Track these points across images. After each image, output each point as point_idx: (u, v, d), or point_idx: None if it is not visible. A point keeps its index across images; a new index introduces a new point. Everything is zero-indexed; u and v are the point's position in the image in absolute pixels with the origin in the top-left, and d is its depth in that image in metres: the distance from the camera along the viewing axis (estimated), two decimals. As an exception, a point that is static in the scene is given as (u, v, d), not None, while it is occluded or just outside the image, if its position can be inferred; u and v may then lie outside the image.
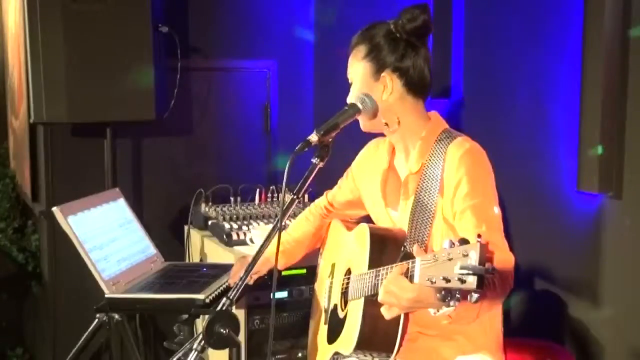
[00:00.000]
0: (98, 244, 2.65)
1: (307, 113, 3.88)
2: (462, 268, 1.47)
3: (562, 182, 2.59)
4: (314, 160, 1.91)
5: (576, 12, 2.46)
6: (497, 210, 1.92)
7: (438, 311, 1.68)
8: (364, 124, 2.09)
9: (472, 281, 1.46)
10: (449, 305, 1.56)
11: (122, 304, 2.59)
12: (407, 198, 2.05)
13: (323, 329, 2.28)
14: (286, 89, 3.85)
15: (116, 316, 2.71)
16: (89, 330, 2.74)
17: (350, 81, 2.12)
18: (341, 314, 2.15)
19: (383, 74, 2.03)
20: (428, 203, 1.98)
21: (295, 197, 1.92)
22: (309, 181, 1.92)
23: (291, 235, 2.48)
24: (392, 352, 1.94)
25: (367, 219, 2.27)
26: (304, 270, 3.05)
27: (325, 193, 2.47)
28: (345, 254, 2.25)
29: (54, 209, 2.58)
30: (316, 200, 2.50)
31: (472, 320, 1.86)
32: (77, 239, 2.57)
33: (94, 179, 3.33)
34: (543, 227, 2.71)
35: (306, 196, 3.43)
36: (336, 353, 2.12)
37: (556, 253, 2.65)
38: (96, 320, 2.73)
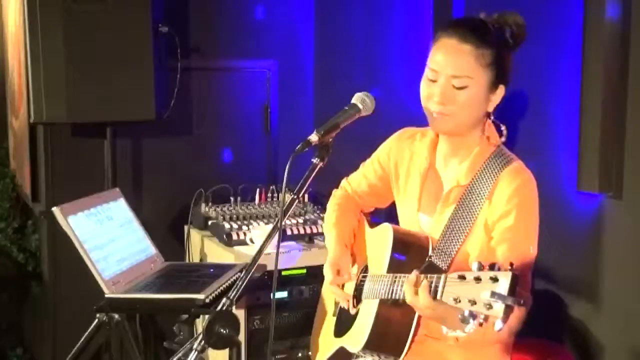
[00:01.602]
0: (98, 244, 2.65)
1: (307, 113, 3.88)
2: (493, 295, 1.44)
3: (562, 182, 2.58)
4: (314, 160, 1.90)
5: (576, 12, 2.45)
6: (532, 250, 1.91)
7: (453, 331, 1.69)
8: (462, 122, 1.94)
9: (499, 309, 1.44)
10: (464, 330, 1.55)
11: (122, 304, 2.59)
12: (448, 206, 2.00)
13: (331, 321, 2.27)
14: (286, 89, 3.84)
15: (116, 316, 2.71)
16: (89, 330, 2.74)
17: (452, 79, 1.90)
18: (352, 310, 2.14)
19: (500, 86, 1.94)
20: (467, 218, 1.94)
21: (295, 197, 1.92)
22: (309, 181, 1.91)
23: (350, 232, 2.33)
24: (399, 356, 1.94)
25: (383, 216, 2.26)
26: (304, 270, 3.05)
27: (342, 186, 2.40)
28: (364, 251, 2.23)
29: (54, 209, 2.58)
30: (339, 193, 2.39)
31: (477, 348, 1.87)
32: (77, 239, 2.57)
33: (94, 179, 3.33)
34: (543, 227, 2.70)
35: (306, 196, 3.44)
36: (342, 347, 2.12)
37: (556, 253, 2.65)
38: (96, 320, 2.72)
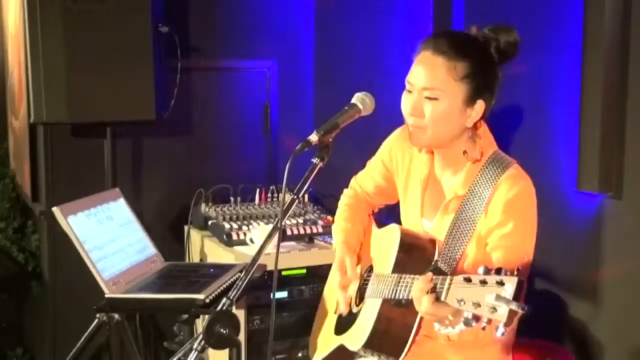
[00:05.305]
0: (98, 244, 2.65)
1: (307, 113, 3.88)
2: (498, 298, 1.44)
3: (562, 182, 2.58)
4: (314, 160, 1.91)
5: (576, 12, 2.46)
6: (527, 258, 1.91)
7: (445, 328, 1.68)
8: (437, 136, 1.92)
9: (502, 313, 1.44)
10: (454, 328, 1.57)
11: (122, 304, 2.59)
12: (447, 214, 2.01)
13: (332, 318, 2.27)
14: (286, 89, 3.85)
15: (116, 316, 2.71)
16: (89, 330, 2.74)
17: (423, 91, 1.91)
18: (354, 309, 2.14)
19: (479, 101, 1.91)
20: (469, 224, 1.95)
21: (295, 197, 1.92)
22: (309, 181, 1.91)
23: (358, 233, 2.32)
24: (399, 357, 1.93)
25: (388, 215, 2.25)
26: (304, 271, 3.05)
27: (352, 186, 2.39)
28: (371, 250, 2.24)
29: (54, 209, 2.58)
30: (350, 193, 2.38)
31: (470, 347, 1.91)
32: (77, 239, 2.57)
33: (94, 179, 3.32)
34: (543, 227, 2.69)
35: (306, 196, 3.44)
36: (341, 345, 2.11)
37: (556, 253, 2.65)
38: (96, 320, 2.73)
